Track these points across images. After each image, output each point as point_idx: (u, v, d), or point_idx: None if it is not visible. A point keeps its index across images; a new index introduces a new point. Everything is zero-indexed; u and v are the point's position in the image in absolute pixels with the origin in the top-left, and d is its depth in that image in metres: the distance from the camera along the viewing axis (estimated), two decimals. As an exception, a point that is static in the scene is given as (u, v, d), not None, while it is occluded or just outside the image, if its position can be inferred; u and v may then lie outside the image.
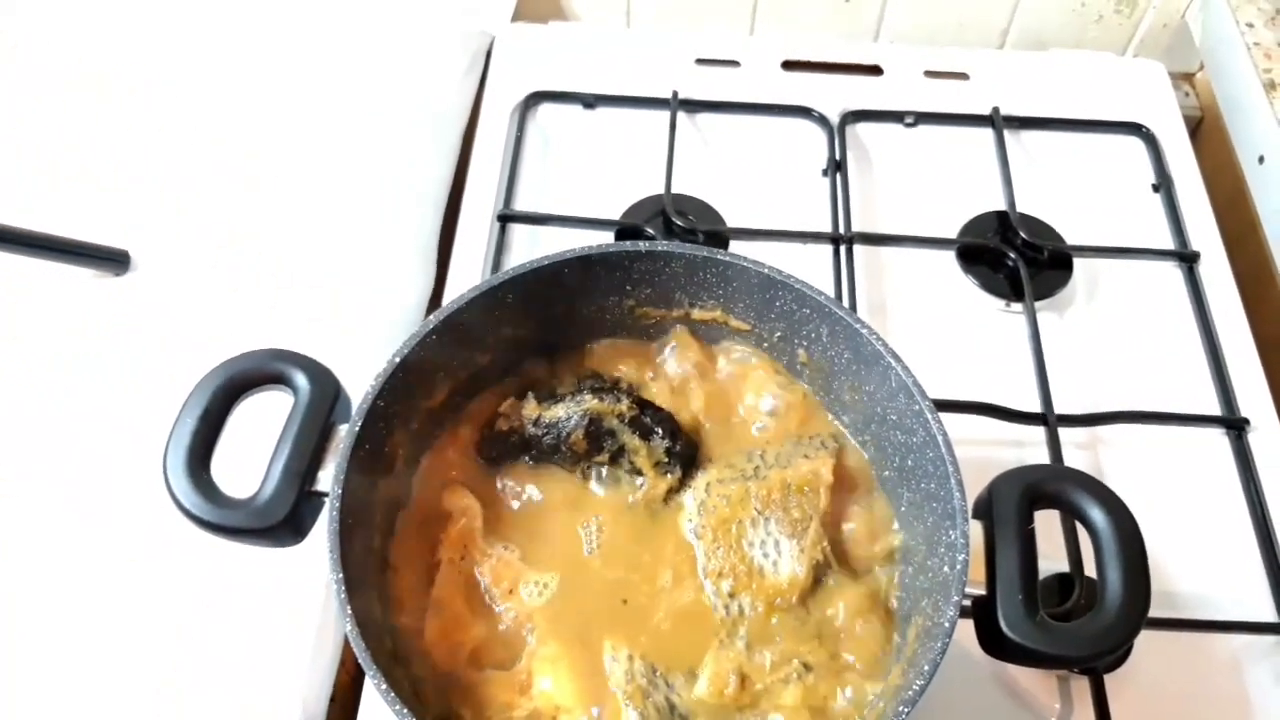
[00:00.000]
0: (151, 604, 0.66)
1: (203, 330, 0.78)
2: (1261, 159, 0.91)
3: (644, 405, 0.65)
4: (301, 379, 0.58)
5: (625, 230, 0.87)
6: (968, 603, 0.54)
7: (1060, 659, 0.53)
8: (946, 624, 0.52)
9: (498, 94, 0.97)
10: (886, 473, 0.64)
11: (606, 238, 0.87)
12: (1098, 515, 0.55)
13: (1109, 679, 0.67)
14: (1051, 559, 0.71)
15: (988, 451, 0.77)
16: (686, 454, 0.65)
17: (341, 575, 0.52)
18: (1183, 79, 1.08)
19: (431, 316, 0.60)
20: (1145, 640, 0.69)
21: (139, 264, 0.82)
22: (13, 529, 0.69)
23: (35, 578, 0.68)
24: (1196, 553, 0.73)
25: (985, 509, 0.57)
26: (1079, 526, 0.63)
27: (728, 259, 0.64)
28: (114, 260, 0.81)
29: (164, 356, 0.76)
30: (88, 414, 0.74)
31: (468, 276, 0.84)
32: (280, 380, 0.59)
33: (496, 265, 0.85)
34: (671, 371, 0.68)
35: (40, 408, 0.74)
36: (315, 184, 0.86)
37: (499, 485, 0.64)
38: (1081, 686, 0.67)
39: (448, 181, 0.92)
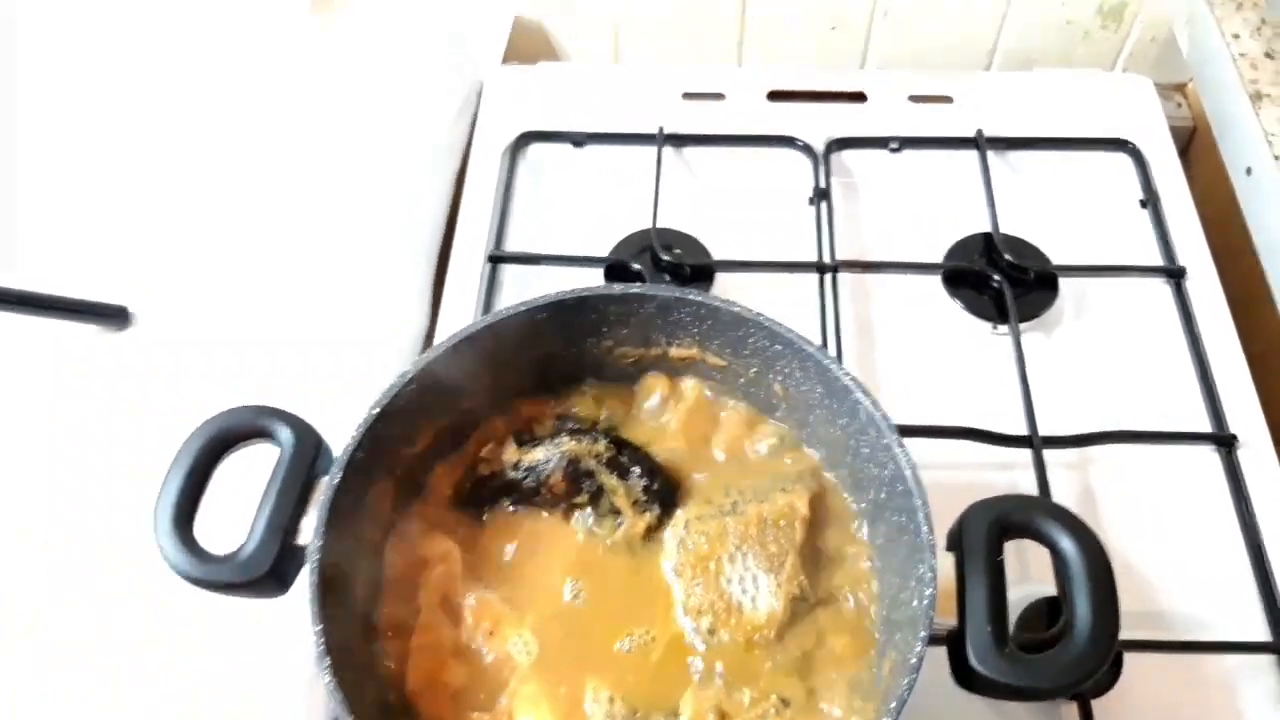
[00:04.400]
0: (145, 655, 0.68)
1: (204, 383, 0.80)
2: (1249, 170, 0.91)
3: (621, 445, 0.66)
4: (285, 433, 0.60)
5: (614, 267, 0.89)
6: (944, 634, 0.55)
7: (1029, 692, 0.53)
8: (914, 660, 0.52)
9: (488, 135, 0.98)
10: (863, 505, 0.65)
11: (596, 275, 0.89)
12: (1067, 544, 0.56)
13: (1098, 704, 0.67)
14: (1039, 582, 0.71)
15: (973, 476, 0.77)
16: (665, 492, 0.66)
17: (321, 628, 0.53)
18: (1175, 90, 1.08)
19: (409, 367, 0.62)
20: (1135, 662, 0.69)
21: (139, 318, 0.84)
22: (9, 583, 0.71)
23: (30, 633, 0.69)
24: (1188, 572, 0.73)
25: (957, 540, 0.57)
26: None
27: (699, 299, 0.65)
28: (114, 316, 0.83)
29: (168, 410, 0.78)
30: (93, 471, 0.76)
31: (460, 318, 0.86)
32: (264, 435, 0.61)
33: (488, 306, 0.86)
34: (649, 411, 0.69)
35: (43, 465, 0.76)
36: (312, 233, 0.89)
37: (481, 529, 0.66)
38: (1070, 711, 0.67)
39: (442, 225, 0.94)
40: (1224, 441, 0.77)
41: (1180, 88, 1.08)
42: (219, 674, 0.67)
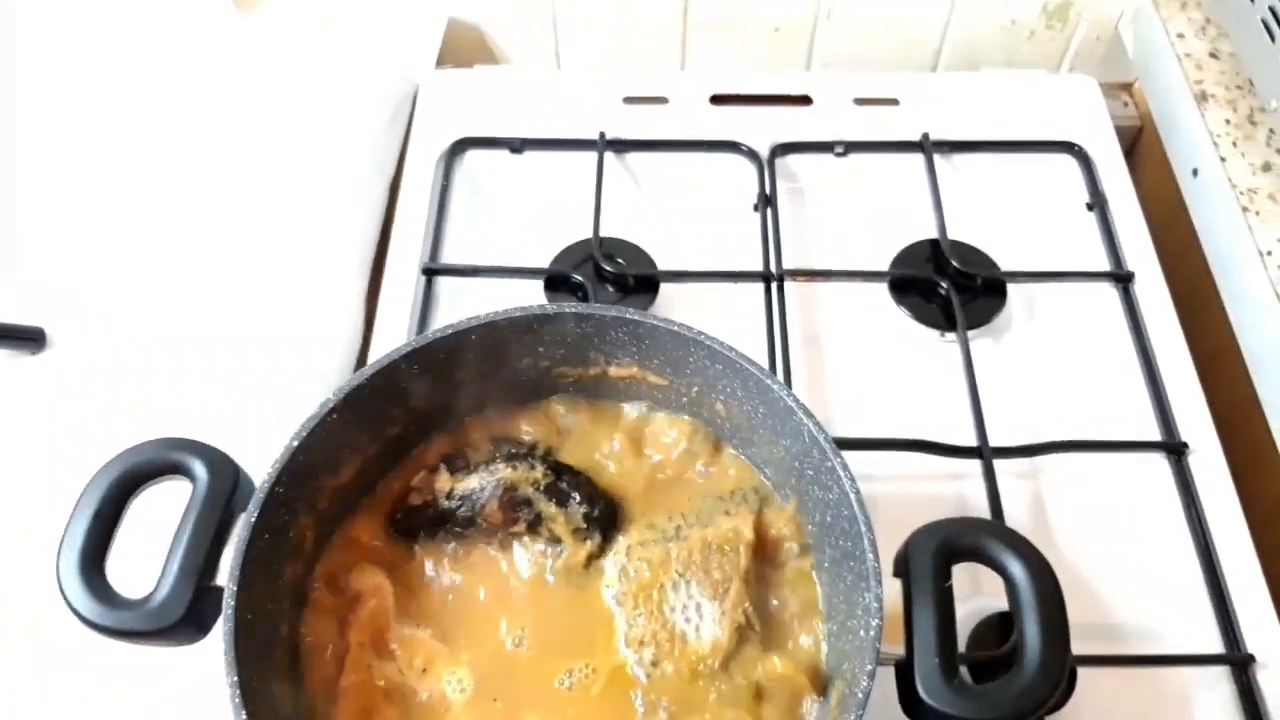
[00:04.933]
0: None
1: (122, 409, 0.76)
2: (1195, 172, 0.90)
3: (560, 470, 0.64)
4: (199, 468, 0.57)
5: (554, 279, 0.86)
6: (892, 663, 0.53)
7: (979, 724, 0.51)
8: (860, 694, 0.50)
9: (423, 143, 0.95)
10: (809, 528, 0.63)
11: (536, 287, 0.86)
12: (1016, 569, 0.54)
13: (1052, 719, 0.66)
14: (991, 596, 0.70)
15: (922, 487, 0.76)
16: (605, 518, 0.63)
17: (236, 679, 0.50)
18: (1121, 89, 1.07)
19: (330, 396, 0.59)
20: (1089, 677, 0.67)
21: (55, 341, 0.80)
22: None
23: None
24: (1140, 583, 0.72)
25: (904, 566, 0.55)
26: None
27: (636, 318, 0.63)
28: (29, 340, 0.79)
29: (83, 436, 0.74)
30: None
31: (394, 335, 0.82)
32: (177, 470, 0.57)
33: (423, 321, 0.83)
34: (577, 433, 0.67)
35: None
36: (237, 249, 0.85)
37: (413, 562, 0.63)
38: (1026, 732, 0.66)
39: (375, 236, 0.90)
40: (1174, 449, 0.76)
41: (1127, 87, 1.07)
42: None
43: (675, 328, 0.62)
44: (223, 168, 0.89)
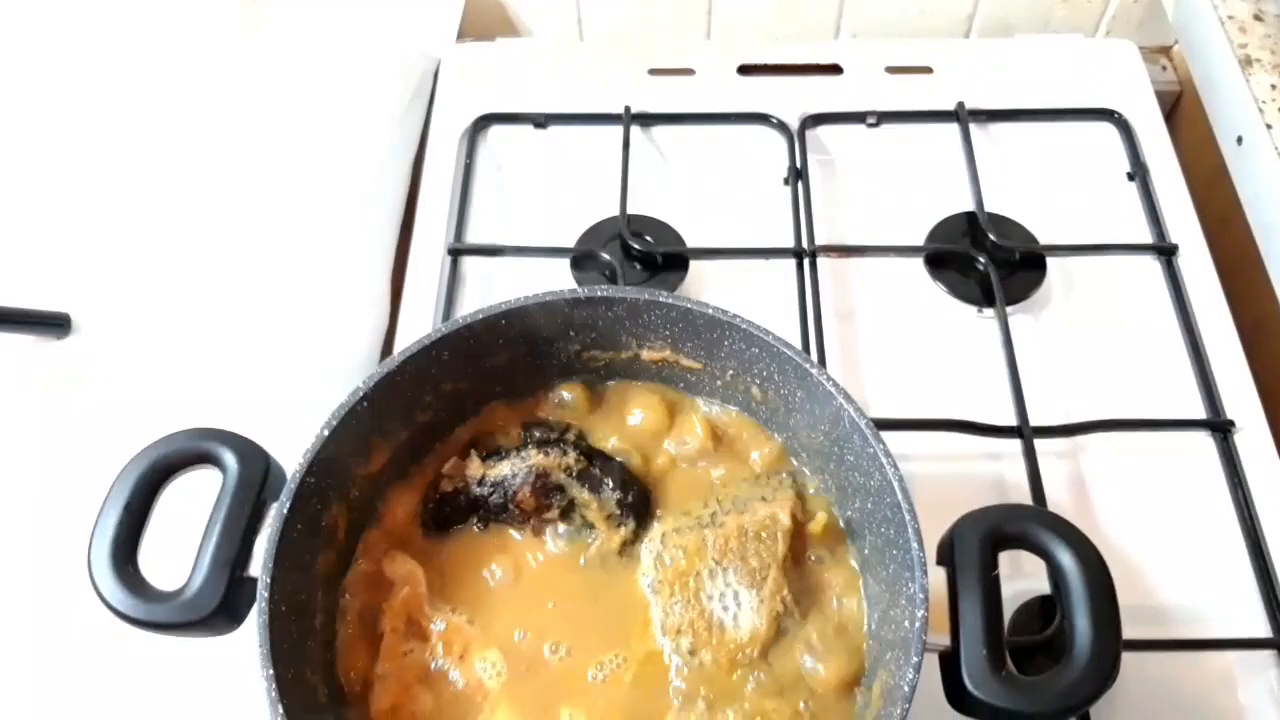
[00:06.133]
0: (89, 703, 0.64)
1: (147, 395, 0.75)
2: (1240, 140, 0.87)
3: (592, 455, 0.63)
4: (229, 457, 0.56)
5: (581, 258, 0.84)
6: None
7: (1028, 717, 0.50)
8: (906, 687, 0.49)
9: (445, 119, 0.93)
10: (849, 515, 0.61)
11: (563, 267, 0.85)
12: (1065, 558, 0.53)
13: (1094, 705, 0.64)
14: (1033, 578, 0.68)
15: (962, 468, 0.74)
16: (639, 504, 0.62)
17: (272, 672, 0.50)
18: (1159, 53, 1.04)
19: (361, 383, 0.58)
20: (1131, 661, 0.65)
21: (80, 326, 0.79)
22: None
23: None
24: (1185, 565, 0.71)
25: (948, 554, 0.54)
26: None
27: (670, 301, 0.61)
28: (54, 325, 0.78)
29: (109, 423, 0.74)
30: (28, 488, 0.72)
31: (420, 317, 0.81)
32: (207, 460, 0.56)
33: (449, 303, 0.82)
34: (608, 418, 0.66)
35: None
36: (261, 234, 0.84)
37: (446, 549, 0.62)
38: (1067, 714, 0.65)
39: (399, 217, 0.89)
40: (1220, 428, 0.75)
41: (1165, 50, 1.04)
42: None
43: (710, 311, 0.60)
44: (244, 151, 0.87)
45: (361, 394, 0.57)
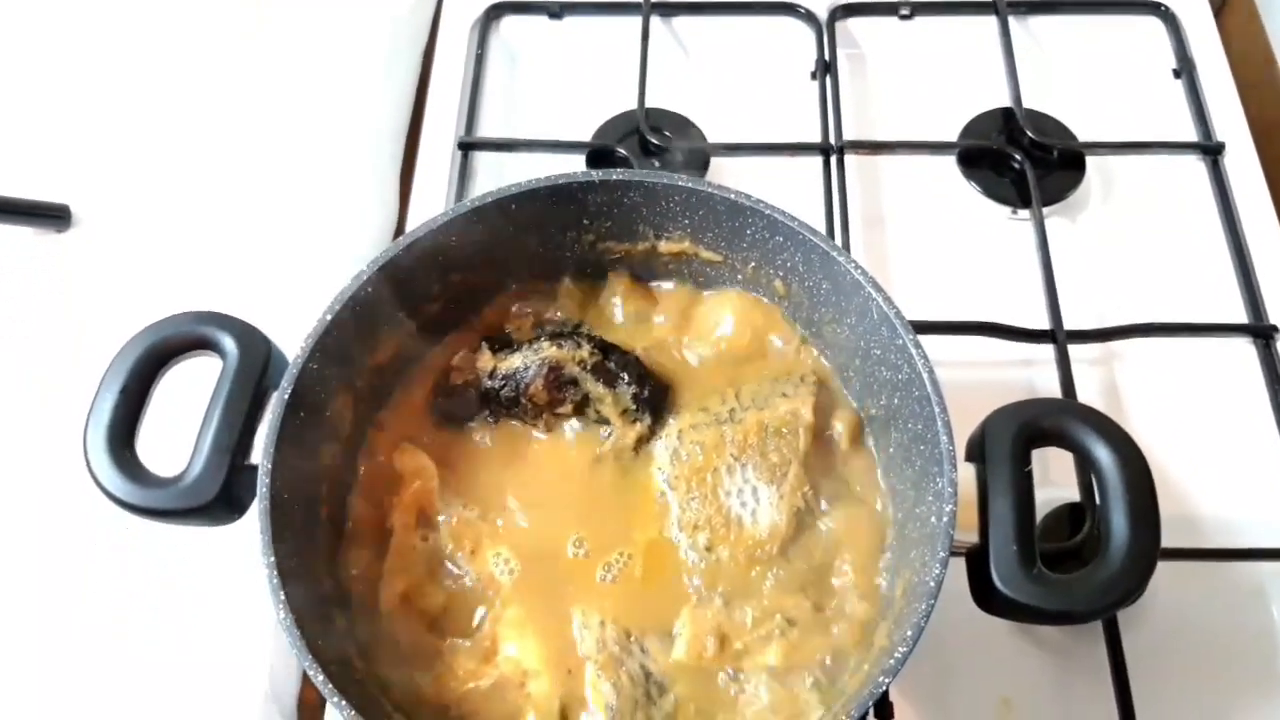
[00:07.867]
0: (92, 592, 0.63)
1: (150, 286, 0.74)
2: (1296, 36, 0.82)
3: (608, 349, 0.60)
4: (228, 342, 0.54)
5: (597, 153, 0.81)
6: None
7: (1058, 615, 0.48)
8: (932, 583, 0.47)
9: (456, 8, 0.89)
10: (875, 410, 0.59)
11: (577, 162, 0.81)
12: (1102, 453, 0.50)
13: (1122, 614, 0.62)
14: (1061, 486, 0.66)
15: (992, 374, 0.72)
16: (656, 399, 0.60)
17: (273, 559, 0.48)
18: (1208, -56, 0.98)
19: (366, 267, 0.55)
20: (1163, 571, 0.63)
21: (81, 218, 0.77)
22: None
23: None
24: (1220, 474, 0.68)
25: (979, 450, 0.52)
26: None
27: (690, 185, 0.58)
28: (55, 216, 0.76)
29: (110, 314, 0.72)
30: (27, 379, 0.70)
31: (430, 211, 0.77)
32: (206, 345, 0.54)
33: (460, 197, 0.79)
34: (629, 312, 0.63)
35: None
36: (264, 124, 0.81)
37: (458, 443, 0.60)
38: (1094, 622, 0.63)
39: (407, 109, 0.86)
40: (1262, 333, 0.71)
41: (1216, -57, 0.98)
42: (178, 609, 0.63)
43: (732, 195, 0.57)
44: (249, 41, 0.84)
45: (365, 278, 0.55)
